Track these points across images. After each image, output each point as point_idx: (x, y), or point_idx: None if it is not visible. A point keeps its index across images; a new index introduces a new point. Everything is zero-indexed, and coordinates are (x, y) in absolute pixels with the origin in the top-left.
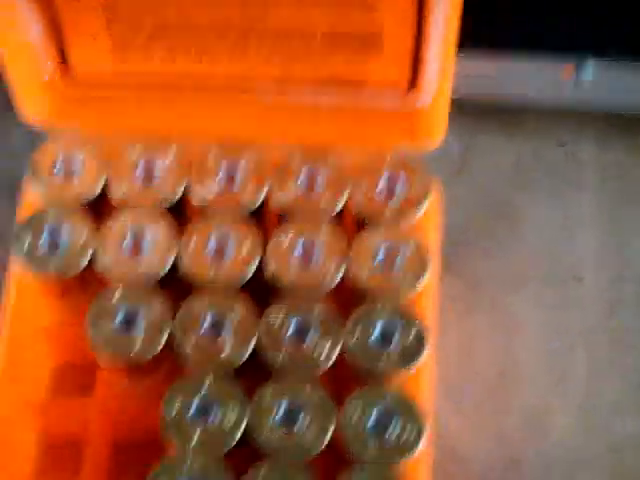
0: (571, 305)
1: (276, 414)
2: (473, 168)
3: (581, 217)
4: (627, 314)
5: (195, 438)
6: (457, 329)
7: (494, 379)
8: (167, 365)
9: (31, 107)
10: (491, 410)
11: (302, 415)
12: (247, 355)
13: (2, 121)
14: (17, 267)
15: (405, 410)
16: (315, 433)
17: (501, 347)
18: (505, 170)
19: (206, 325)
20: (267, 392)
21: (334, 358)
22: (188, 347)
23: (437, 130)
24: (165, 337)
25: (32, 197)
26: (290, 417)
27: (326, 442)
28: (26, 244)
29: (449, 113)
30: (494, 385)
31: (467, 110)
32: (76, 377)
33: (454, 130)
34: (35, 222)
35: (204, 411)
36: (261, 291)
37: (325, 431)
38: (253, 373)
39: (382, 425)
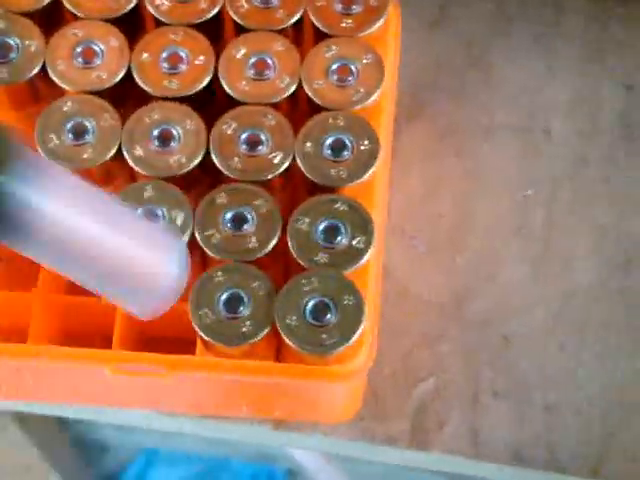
0: (538, 156)
1: (224, 218)
2: (453, 16)
3: (556, 70)
4: (592, 168)
5: None
6: (422, 174)
7: (454, 223)
8: (119, 177)
9: None
10: (445, 251)
11: (250, 219)
12: (197, 162)
13: None
14: None
15: (354, 219)
16: (262, 240)
17: (465, 193)
18: (486, 19)
19: (155, 135)
20: (219, 195)
21: (285, 166)
22: (137, 156)
23: None
24: (116, 147)
25: None
26: (238, 218)
27: (270, 248)
28: None
29: None
30: (453, 228)
31: None
32: None
33: None
34: None
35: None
36: (214, 106)
37: (270, 239)
38: (203, 186)
39: (331, 233)
